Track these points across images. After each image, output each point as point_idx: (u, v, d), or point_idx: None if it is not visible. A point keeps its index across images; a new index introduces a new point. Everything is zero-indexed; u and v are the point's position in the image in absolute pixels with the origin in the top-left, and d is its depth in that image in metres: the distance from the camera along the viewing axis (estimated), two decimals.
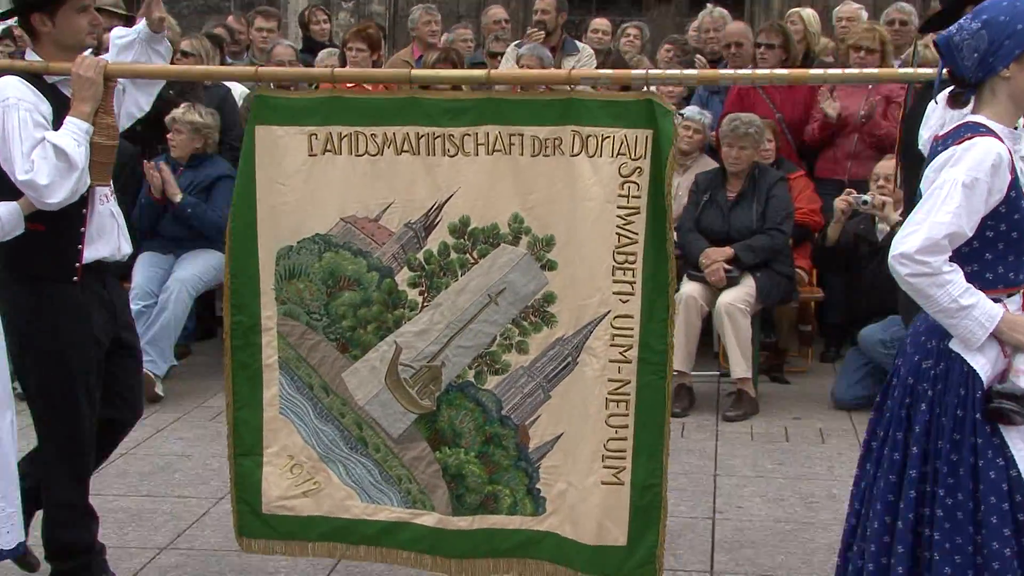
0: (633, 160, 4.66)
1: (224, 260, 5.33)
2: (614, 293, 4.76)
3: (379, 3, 26.28)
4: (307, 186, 5.02)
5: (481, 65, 11.23)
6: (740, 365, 8.62)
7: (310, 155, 4.98)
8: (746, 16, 16.08)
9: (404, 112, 4.89)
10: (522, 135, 4.77)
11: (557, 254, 4.86)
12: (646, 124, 4.65)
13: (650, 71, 5.42)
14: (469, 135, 4.81)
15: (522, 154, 4.79)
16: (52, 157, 4.91)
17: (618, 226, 4.71)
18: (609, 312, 4.78)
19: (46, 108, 5.13)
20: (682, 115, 9.58)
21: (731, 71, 8.06)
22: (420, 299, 5.00)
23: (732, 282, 8.75)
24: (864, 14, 11.70)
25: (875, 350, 8.45)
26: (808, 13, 10.57)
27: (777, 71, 8.00)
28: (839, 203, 8.92)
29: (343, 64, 10.66)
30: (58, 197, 4.97)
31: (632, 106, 4.71)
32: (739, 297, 8.68)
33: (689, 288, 8.82)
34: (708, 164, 9.61)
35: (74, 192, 5.05)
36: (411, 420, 5.06)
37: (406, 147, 4.88)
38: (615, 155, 4.67)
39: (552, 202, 4.83)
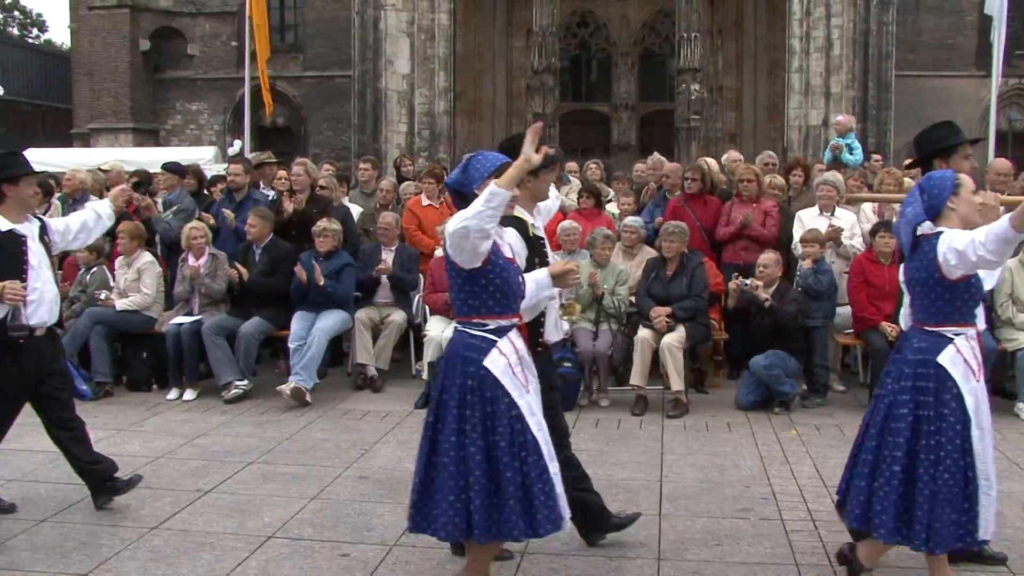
0: None
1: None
2: None
3: (444, 151, 24.21)
4: None
5: None
6: (676, 382, 8.64)
7: None
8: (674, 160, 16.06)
9: None
10: None
11: None
12: None
13: None
14: None
15: None
16: None
17: None
18: None
19: None
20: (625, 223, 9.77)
21: None
22: None
23: (671, 329, 8.81)
24: (741, 158, 12.27)
25: (760, 372, 8.75)
26: (711, 160, 10.85)
27: None
28: (731, 285, 9.06)
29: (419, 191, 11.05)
30: None
31: None
32: (675, 338, 8.73)
33: (644, 333, 8.84)
34: (650, 253, 9.65)
35: None
36: None
37: None
38: None
39: None
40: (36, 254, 5.78)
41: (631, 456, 7.32)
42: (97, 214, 6.26)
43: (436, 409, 4.47)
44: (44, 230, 5.90)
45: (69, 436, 6.04)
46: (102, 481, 6.09)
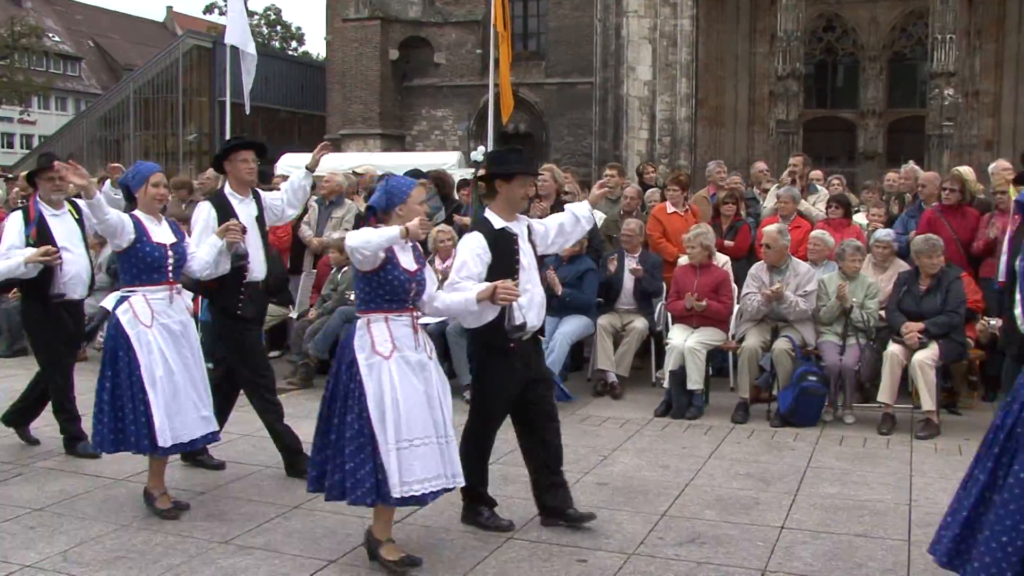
0: None
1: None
2: None
3: (684, 159, 25.47)
4: None
5: (753, 200, 11.52)
6: (928, 402, 8.20)
7: None
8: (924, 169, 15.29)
9: None
10: None
11: None
12: None
13: None
14: None
15: None
16: None
17: None
18: None
19: None
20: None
21: None
22: None
23: (923, 346, 8.38)
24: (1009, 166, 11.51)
25: None
26: (966, 168, 10.41)
27: None
28: (978, 327, 8.73)
29: (663, 198, 10.90)
30: None
31: None
32: (928, 356, 8.27)
33: (893, 349, 8.45)
34: (902, 266, 9.30)
35: None
36: None
37: None
38: None
39: None
40: (526, 254, 5.65)
41: (877, 477, 7.02)
42: (575, 216, 6.10)
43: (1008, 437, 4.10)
44: (531, 231, 5.80)
45: (550, 446, 5.93)
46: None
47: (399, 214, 5.13)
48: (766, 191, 11.95)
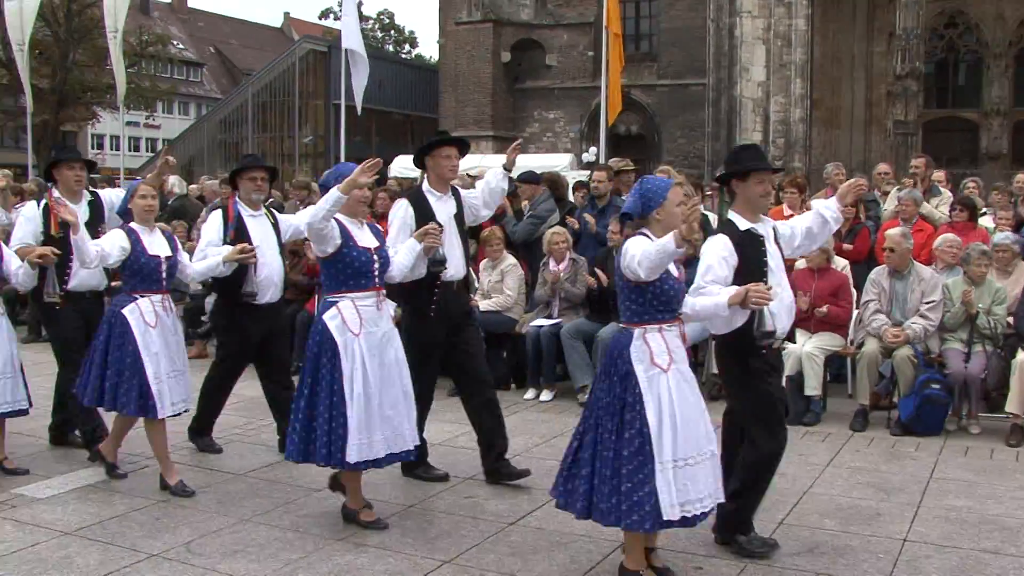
0: None
1: None
2: None
3: (799, 161, 25.72)
4: None
5: (873, 203, 11.23)
6: None
7: None
8: None
9: None
10: None
11: None
12: None
13: None
14: None
15: None
16: None
17: None
18: None
19: None
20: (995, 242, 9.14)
21: None
22: None
23: None
24: None
25: None
26: None
27: None
28: None
29: (779, 201, 10.54)
30: None
31: None
32: None
33: (1023, 357, 8.03)
34: None
35: None
36: None
37: None
38: None
39: None
40: (774, 256, 5.49)
41: (1007, 490, 6.76)
42: (823, 218, 5.86)
43: None
44: (776, 232, 5.64)
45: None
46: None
47: (657, 218, 4.92)
48: (886, 193, 11.64)
